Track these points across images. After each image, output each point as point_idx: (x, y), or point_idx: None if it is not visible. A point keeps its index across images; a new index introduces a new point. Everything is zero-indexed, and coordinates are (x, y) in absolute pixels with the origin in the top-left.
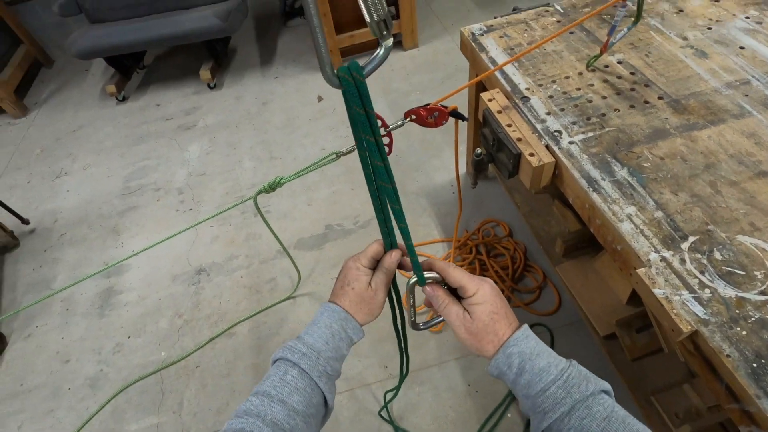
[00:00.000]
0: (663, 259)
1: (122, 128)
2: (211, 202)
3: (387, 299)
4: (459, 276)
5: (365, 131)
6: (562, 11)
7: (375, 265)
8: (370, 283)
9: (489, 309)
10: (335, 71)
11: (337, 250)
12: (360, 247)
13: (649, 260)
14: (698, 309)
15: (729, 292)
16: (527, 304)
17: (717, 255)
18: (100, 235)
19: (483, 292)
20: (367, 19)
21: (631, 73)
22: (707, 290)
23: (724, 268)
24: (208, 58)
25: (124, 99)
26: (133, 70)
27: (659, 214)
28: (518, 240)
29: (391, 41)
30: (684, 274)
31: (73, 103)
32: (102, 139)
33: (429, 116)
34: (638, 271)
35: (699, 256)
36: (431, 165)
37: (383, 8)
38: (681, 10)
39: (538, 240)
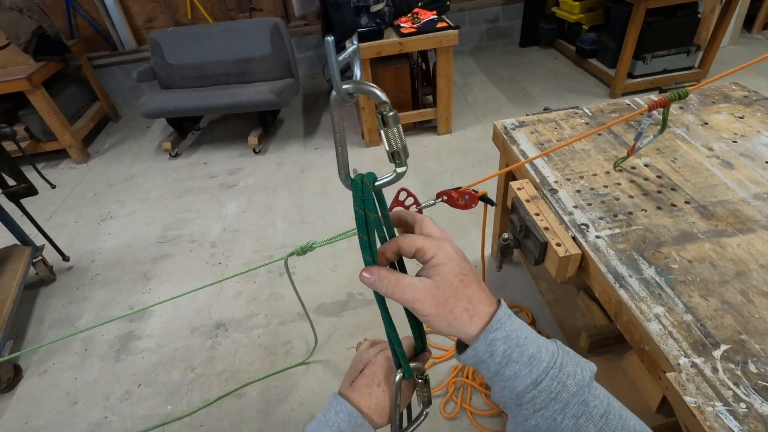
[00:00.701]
0: (694, 365)
1: (170, 181)
2: (240, 258)
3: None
4: (412, 239)
5: (361, 230)
6: (590, 114)
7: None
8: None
9: (456, 269)
10: (350, 176)
11: (356, 319)
12: (380, 320)
13: (678, 365)
14: (733, 424)
15: (766, 408)
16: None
17: (752, 368)
18: (131, 279)
19: (445, 251)
20: (386, 148)
21: (658, 176)
22: (743, 404)
23: (760, 382)
24: (258, 126)
25: (176, 155)
26: (189, 131)
27: (689, 317)
28: (541, 329)
29: (404, 169)
30: (717, 383)
31: (131, 154)
32: (150, 189)
33: (460, 198)
34: (668, 375)
35: (732, 366)
36: (458, 244)
37: (401, 141)
38: (706, 123)
39: (562, 331)
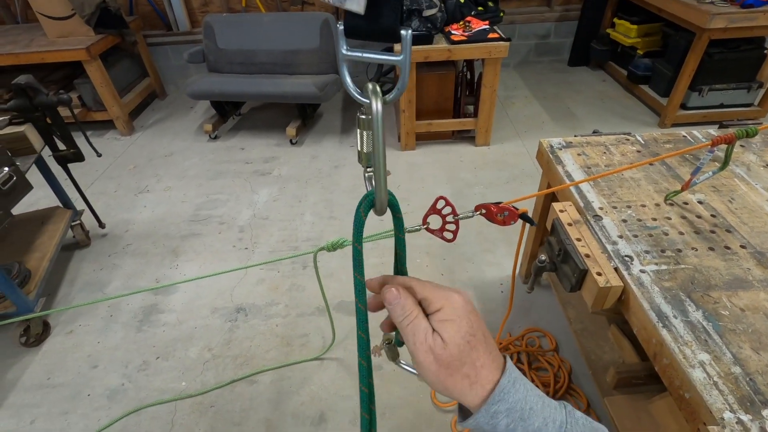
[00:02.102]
0: (740, 421)
1: (207, 162)
2: (266, 245)
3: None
4: (420, 286)
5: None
6: (642, 142)
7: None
8: None
9: (464, 329)
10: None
11: (376, 321)
12: None
13: (723, 419)
14: None
15: None
16: None
17: None
18: (160, 252)
19: (454, 304)
20: (359, 148)
21: (712, 215)
22: None
23: None
24: (297, 117)
25: (215, 137)
26: (230, 115)
27: (737, 369)
28: (564, 358)
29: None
30: None
31: (173, 132)
32: (187, 168)
33: (499, 214)
34: (710, 428)
35: None
36: (484, 259)
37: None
38: None
39: (587, 363)
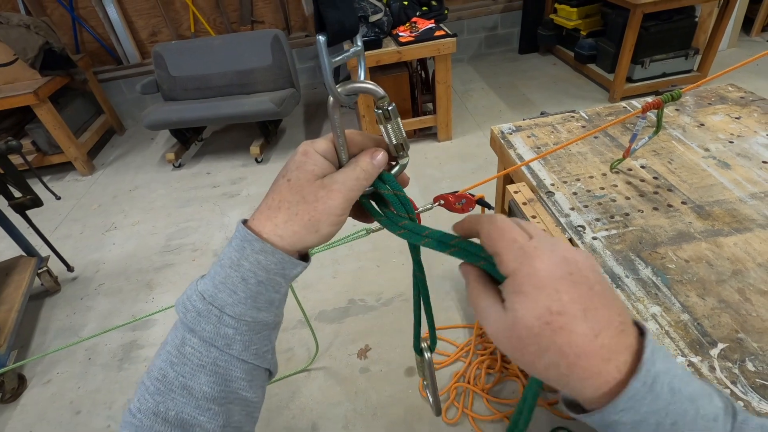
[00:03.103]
0: (691, 363)
1: (173, 191)
2: None
3: (357, 216)
4: (495, 236)
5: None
6: (586, 117)
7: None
8: (319, 175)
9: (542, 304)
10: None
11: (358, 325)
12: (382, 326)
13: None
14: None
15: (764, 407)
16: (551, 404)
17: (749, 366)
18: (134, 288)
19: (532, 269)
20: (387, 141)
21: (654, 178)
22: (741, 403)
23: (757, 380)
24: (260, 136)
25: (179, 166)
26: (192, 142)
27: (685, 316)
28: None
29: (407, 159)
30: (714, 382)
31: (135, 166)
32: (154, 200)
33: (457, 202)
34: None
35: (729, 364)
36: None
37: (401, 134)
38: (702, 124)
39: None
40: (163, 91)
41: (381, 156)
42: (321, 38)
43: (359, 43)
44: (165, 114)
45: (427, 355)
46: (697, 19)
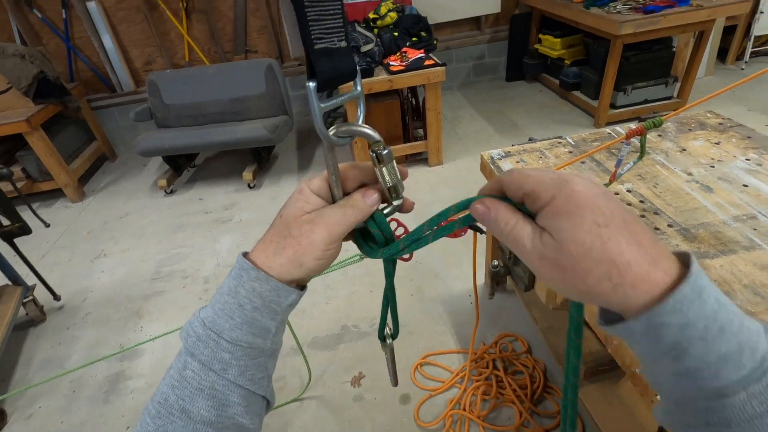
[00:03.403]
0: None
1: (165, 218)
2: None
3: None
4: (521, 179)
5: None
6: (573, 143)
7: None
8: (308, 212)
9: (589, 219)
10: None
11: (352, 351)
12: (376, 352)
13: None
14: None
15: None
16: (548, 430)
17: None
18: (122, 317)
19: (570, 192)
20: (381, 184)
21: (641, 201)
22: None
23: None
24: (252, 161)
25: (171, 192)
26: (184, 168)
27: None
28: (537, 358)
29: (400, 201)
30: None
31: (126, 192)
32: (145, 226)
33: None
34: (658, 398)
35: None
36: (450, 273)
37: (396, 176)
38: (684, 149)
39: (557, 359)
40: (156, 118)
41: (374, 195)
42: (310, 85)
43: (358, 88)
44: (158, 141)
45: (388, 341)
46: (674, 49)
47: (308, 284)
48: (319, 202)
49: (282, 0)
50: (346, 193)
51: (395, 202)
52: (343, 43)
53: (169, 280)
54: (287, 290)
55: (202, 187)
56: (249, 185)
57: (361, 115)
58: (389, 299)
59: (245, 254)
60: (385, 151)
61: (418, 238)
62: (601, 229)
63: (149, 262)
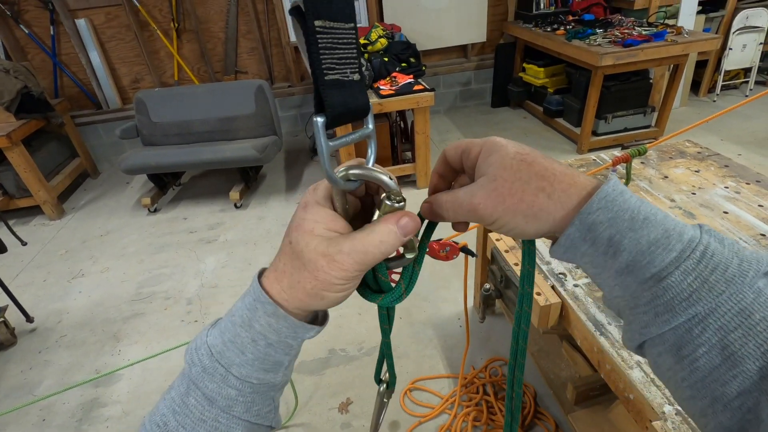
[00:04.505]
0: (678, 412)
1: (147, 236)
2: (217, 315)
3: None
4: (457, 144)
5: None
6: None
7: (350, 207)
8: (321, 235)
9: (512, 150)
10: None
11: (339, 376)
12: (364, 377)
13: (663, 413)
14: None
15: None
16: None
17: None
18: (99, 339)
19: (493, 140)
20: None
21: None
22: None
23: None
24: (240, 181)
25: (155, 211)
26: (170, 186)
27: None
28: (527, 383)
29: (413, 254)
30: None
31: (108, 210)
32: (126, 245)
33: (441, 250)
34: (654, 424)
35: None
36: (439, 296)
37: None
38: (666, 177)
39: (547, 383)
40: (143, 136)
41: (409, 222)
42: (318, 120)
43: (370, 126)
44: (144, 158)
45: (381, 387)
46: (651, 81)
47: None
48: (331, 217)
49: (294, 25)
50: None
51: (408, 255)
52: (357, 76)
53: (150, 302)
54: (305, 328)
55: (187, 206)
56: (236, 205)
57: (373, 155)
58: (385, 355)
59: (260, 275)
60: (402, 203)
61: (414, 274)
62: (524, 155)
63: (129, 282)
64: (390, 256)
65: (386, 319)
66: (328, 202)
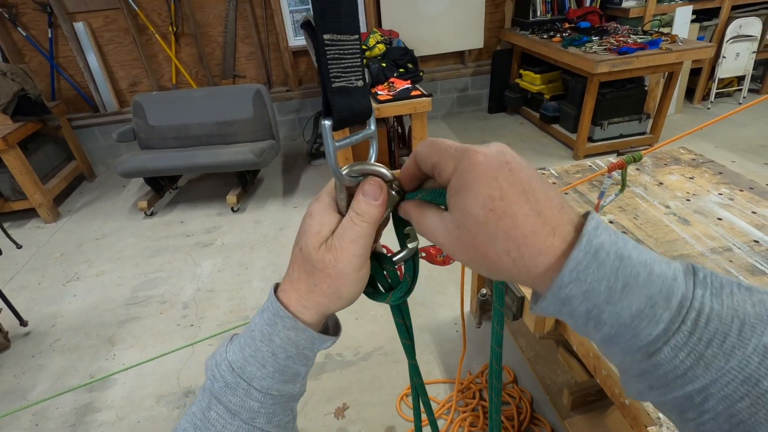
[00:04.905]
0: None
1: (144, 240)
2: (213, 319)
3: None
4: (431, 150)
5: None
6: (556, 175)
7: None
8: (327, 238)
9: (483, 193)
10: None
11: (335, 381)
12: (360, 382)
13: (659, 418)
14: None
15: None
16: None
17: None
18: (94, 344)
19: (469, 164)
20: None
21: (623, 232)
22: None
23: None
24: (237, 185)
25: (152, 214)
26: (166, 190)
27: None
28: (524, 388)
29: (416, 244)
30: None
31: (104, 214)
32: (122, 249)
33: (438, 255)
34: (649, 429)
35: None
36: (435, 301)
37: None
38: (661, 183)
39: (543, 388)
40: (140, 139)
41: (370, 188)
42: (327, 123)
43: (372, 127)
44: (141, 162)
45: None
46: (646, 88)
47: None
48: (334, 218)
49: (306, 35)
50: None
51: (410, 245)
52: (360, 83)
53: (146, 306)
54: (322, 339)
55: (183, 210)
56: (233, 209)
57: (374, 154)
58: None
59: (276, 289)
60: (399, 191)
61: (415, 267)
62: (495, 202)
63: (125, 286)
64: (394, 253)
65: (405, 332)
66: (331, 208)
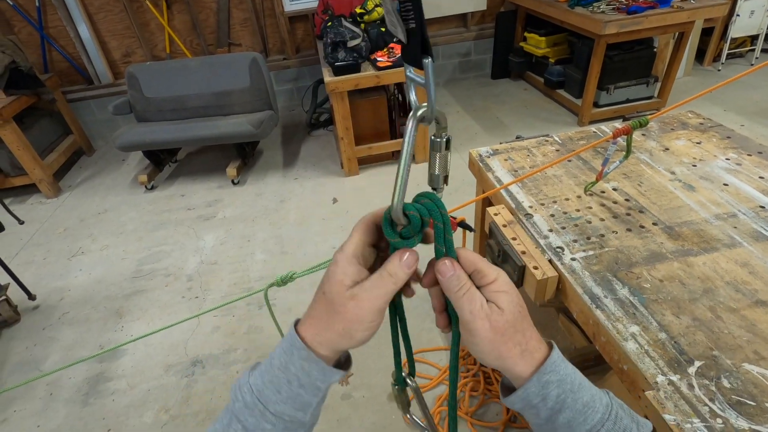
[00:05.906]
0: (671, 382)
1: (146, 214)
2: (218, 291)
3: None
4: (472, 258)
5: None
6: (560, 142)
7: (373, 259)
8: (348, 287)
9: (516, 300)
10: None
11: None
12: (363, 349)
13: (656, 383)
14: None
15: (742, 423)
16: None
17: (725, 382)
18: (102, 316)
19: (505, 279)
20: (436, 172)
21: (626, 200)
22: (719, 420)
23: (733, 396)
24: (236, 157)
25: (152, 188)
26: (166, 163)
27: (663, 335)
28: None
29: (442, 189)
30: (693, 400)
31: (105, 188)
32: (124, 223)
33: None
34: (647, 393)
35: (707, 382)
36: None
37: (447, 167)
38: (667, 149)
39: None
40: (136, 112)
41: (410, 257)
42: (428, 61)
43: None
44: (139, 135)
45: (412, 383)
46: (655, 50)
47: (296, 282)
48: (356, 270)
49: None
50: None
51: (439, 193)
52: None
53: (151, 279)
54: (332, 372)
55: (184, 183)
56: (233, 181)
57: (413, 95)
58: (399, 323)
59: (296, 324)
60: (447, 137)
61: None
62: (521, 308)
63: (129, 260)
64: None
65: (394, 313)
66: (355, 259)
